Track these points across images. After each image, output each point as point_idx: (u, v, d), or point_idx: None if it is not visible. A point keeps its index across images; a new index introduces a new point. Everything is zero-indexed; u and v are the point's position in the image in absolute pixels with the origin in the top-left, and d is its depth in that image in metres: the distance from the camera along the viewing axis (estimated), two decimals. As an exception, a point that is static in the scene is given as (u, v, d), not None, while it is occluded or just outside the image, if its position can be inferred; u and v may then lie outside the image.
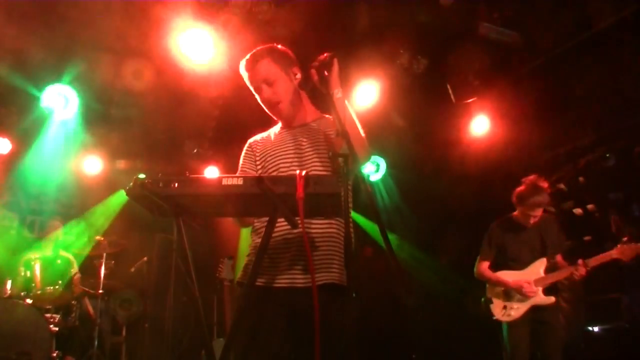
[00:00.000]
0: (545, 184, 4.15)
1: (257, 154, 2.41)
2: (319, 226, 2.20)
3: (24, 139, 5.87)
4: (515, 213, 4.29)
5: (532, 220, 4.16)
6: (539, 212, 4.14)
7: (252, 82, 2.38)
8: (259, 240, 2.26)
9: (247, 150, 2.47)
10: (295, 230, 2.14)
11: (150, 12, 4.42)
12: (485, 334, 4.52)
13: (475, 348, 5.69)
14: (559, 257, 4.15)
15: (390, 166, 6.95)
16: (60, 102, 5.49)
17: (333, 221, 2.25)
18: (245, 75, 2.40)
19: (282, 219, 2.07)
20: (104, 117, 5.94)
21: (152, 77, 5.22)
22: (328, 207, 1.84)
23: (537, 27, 4.59)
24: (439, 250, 6.81)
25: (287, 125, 2.44)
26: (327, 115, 2.46)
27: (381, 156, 6.93)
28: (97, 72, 5.32)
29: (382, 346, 6.44)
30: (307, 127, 2.40)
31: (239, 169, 2.44)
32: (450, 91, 5.53)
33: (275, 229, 1.93)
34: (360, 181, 2.09)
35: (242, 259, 2.39)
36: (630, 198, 5.51)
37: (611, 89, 4.84)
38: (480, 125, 5.89)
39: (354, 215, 1.82)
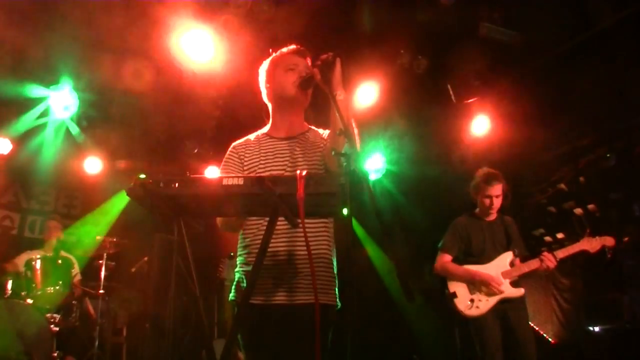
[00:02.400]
0: (494, 171, 4.12)
1: (245, 159, 2.36)
2: (311, 243, 2.14)
3: (25, 139, 5.88)
4: (476, 210, 4.26)
5: (492, 212, 4.11)
6: (496, 201, 4.08)
7: (294, 63, 2.37)
8: (249, 255, 2.25)
9: (232, 153, 2.41)
10: (285, 247, 2.15)
11: (150, 12, 4.42)
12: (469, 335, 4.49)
13: (475, 348, 5.69)
14: (517, 261, 4.05)
15: (390, 166, 6.94)
16: (60, 101, 5.49)
17: (322, 238, 2.26)
18: (291, 56, 2.40)
19: (277, 234, 2.06)
20: (104, 117, 5.95)
21: (152, 77, 5.22)
22: (328, 207, 1.84)
23: (537, 27, 4.59)
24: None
25: (281, 133, 2.42)
26: (313, 127, 2.47)
27: (381, 156, 6.93)
28: (98, 72, 5.33)
29: (382, 346, 6.44)
30: (301, 137, 2.40)
31: (224, 170, 2.38)
32: (450, 91, 5.53)
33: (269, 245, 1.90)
34: (361, 180, 2.10)
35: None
36: (631, 198, 5.51)
37: (611, 89, 4.84)
38: (480, 125, 5.89)
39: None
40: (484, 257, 4.06)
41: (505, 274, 3.96)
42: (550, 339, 5.86)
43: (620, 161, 5.46)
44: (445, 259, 4.14)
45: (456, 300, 3.98)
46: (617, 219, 5.54)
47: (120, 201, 6.61)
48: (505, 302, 3.91)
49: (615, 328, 5.32)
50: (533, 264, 3.91)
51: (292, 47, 2.43)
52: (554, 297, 6.18)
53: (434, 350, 6.48)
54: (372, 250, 7.03)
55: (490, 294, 3.91)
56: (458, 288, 4.03)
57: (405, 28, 4.83)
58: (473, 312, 3.90)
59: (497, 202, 4.11)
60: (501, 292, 3.88)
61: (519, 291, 3.92)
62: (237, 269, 2.32)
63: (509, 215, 4.34)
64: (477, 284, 3.96)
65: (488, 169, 4.18)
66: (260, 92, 2.52)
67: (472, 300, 3.93)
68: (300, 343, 2.06)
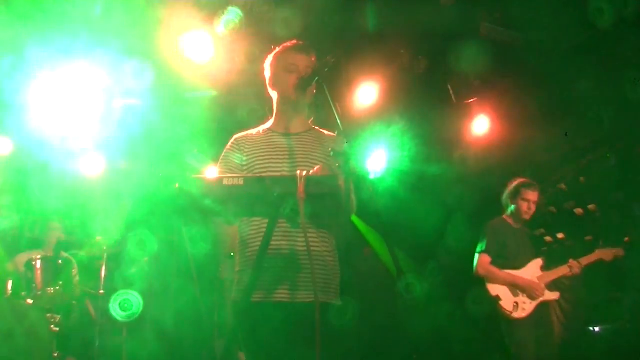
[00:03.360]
0: (536, 189, 4.37)
1: (245, 152, 2.36)
2: (312, 243, 2.14)
3: (25, 138, 5.87)
4: (506, 215, 4.45)
5: (527, 217, 4.33)
6: (531, 210, 4.31)
7: (296, 62, 2.35)
8: (249, 253, 2.24)
9: (233, 146, 2.41)
10: (285, 246, 2.15)
11: (150, 12, 4.42)
12: (485, 334, 4.52)
13: (475, 348, 5.70)
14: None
15: (390, 165, 6.94)
16: (60, 101, 5.48)
17: (322, 236, 2.26)
18: (292, 53, 2.38)
19: (277, 233, 2.06)
20: (104, 117, 5.94)
21: (152, 77, 5.22)
22: (328, 207, 1.84)
23: (537, 27, 4.59)
24: (439, 250, 6.81)
25: (282, 128, 2.41)
26: (316, 128, 2.47)
27: (381, 155, 6.92)
28: (97, 72, 5.32)
29: (382, 346, 6.44)
30: (303, 134, 2.40)
31: (223, 162, 2.37)
32: (450, 91, 5.53)
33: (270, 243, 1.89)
34: (361, 180, 2.10)
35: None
36: (631, 198, 5.51)
37: (611, 89, 4.84)
38: (480, 126, 5.88)
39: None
40: (517, 263, 4.25)
41: (539, 279, 4.20)
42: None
43: (620, 161, 5.47)
44: (486, 261, 4.28)
45: (502, 303, 4.15)
46: (617, 219, 5.54)
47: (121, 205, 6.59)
48: (542, 306, 4.17)
49: (615, 328, 5.32)
50: (563, 270, 4.26)
51: (295, 42, 2.42)
52: (554, 297, 6.17)
53: (434, 351, 6.48)
54: (373, 249, 7.02)
55: (531, 297, 4.13)
56: (500, 291, 4.20)
57: (405, 28, 4.83)
58: (520, 314, 4.10)
59: (533, 208, 4.34)
60: (543, 296, 4.16)
61: (556, 295, 4.25)
62: (237, 269, 2.32)
63: None
64: (518, 289, 4.16)
65: (521, 179, 4.45)
66: (262, 94, 2.53)
67: (516, 303, 4.12)
68: (300, 342, 2.06)
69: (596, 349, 5.34)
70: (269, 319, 2.13)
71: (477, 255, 4.34)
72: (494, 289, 4.21)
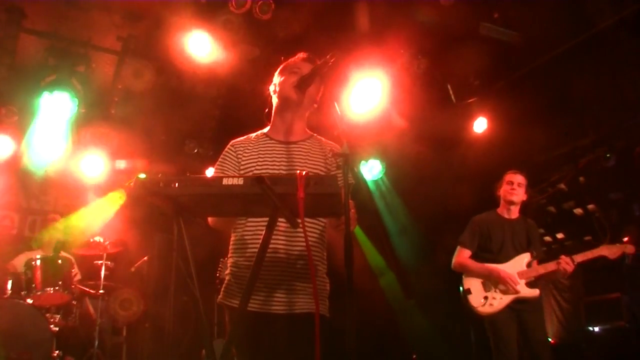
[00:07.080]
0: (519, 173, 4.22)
1: (243, 158, 2.32)
2: (303, 254, 2.14)
3: (25, 138, 5.87)
4: (498, 208, 4.28)
5: (514, 200, 4.15)
6: (518, 189, 4.13)
7: (299, 67, 2.36)
8: (243, 257, 2.21)
9: (230, 151, 2.37)
10: (283, 251, 2.14)
11: (150, 12, 4.43)
12: (485, 334, 4.50)
13: (475, 348, 5.70)
14: (535, 263, 4.06)
15: (389, 166, 6.94)
16: (61, 101, 5.49)
17: (316, 243, 2.24)
18: (296, 62, 2.39)
19: (275, 235, 2.04)
20: (104, 117, 5.95)
21: (152, 77, 5.22)
22: (328, 207, 1.83)
23: (537, 27, 4.59)
24: (438, 250, 6.81)
25: (280, 135, 2.38)
26: (315, 135, 2.44)
27: (381, 156, 6.92)
28: (98, 72, 5.33)
29: (382, 346, 6.44)
30: (302, 143, 2.37)
31: (219, 167, 2.34)
32: (450, 91, 5.53)
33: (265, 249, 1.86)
34: (360, 181, 2.09)
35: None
36: (631, 198, 5.51)
37: (611, 89, 4.84)
38: (480, 126, 5.88)
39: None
40: (502, 256, 4.06)
41: (521, 274, 3.97)
42: (550, 339, 5.87)
43: (620, 161, 5.46)
44: (464, 255, 4.14)
45: (470, 297, 4.00)
46: (617, 219, 5.54)
47: (116, 200, 6.57)
48: (520, 303, 3.92)
49: (615, 328, 5.33)
50: (550, 266, 3.91)
51: (302, 54, 2.42)
52: (553, 297, 6.18)
53: (434, 350, 6.49)
54: (368, 249, 7.02)
55: (505, 292, 3.91)
56: (473, 285, 4.04)
57: (405, 28, 4.83)
58: (486, 309, 3.91)
59: (519, 191, 4.15)
60: (517, 291, 3.89)
61: (534, 292, 3.93)
62: (228, 271, 2.26)
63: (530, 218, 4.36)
64: (493, 281, 3.96)
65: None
66: (262, 94, 2.52)
67: (485, 298, 3.94)
68: (297, 353, 2.06)
69: (596, 349, 5.34)
70: (264, 329, 2.11)
71: (456, 249, 4.23)
72: (467, 282, 4.07)
